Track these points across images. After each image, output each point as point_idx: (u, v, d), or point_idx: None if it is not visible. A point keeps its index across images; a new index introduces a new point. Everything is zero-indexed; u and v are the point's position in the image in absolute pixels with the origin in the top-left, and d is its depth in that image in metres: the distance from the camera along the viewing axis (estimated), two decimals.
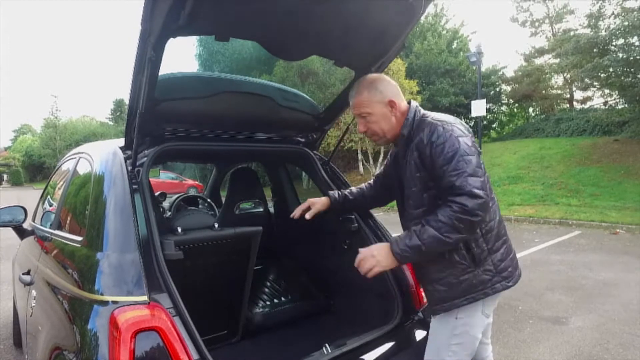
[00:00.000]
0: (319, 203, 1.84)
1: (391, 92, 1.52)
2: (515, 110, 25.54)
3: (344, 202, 1.86)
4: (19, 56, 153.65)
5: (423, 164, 1.39)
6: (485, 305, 1.47)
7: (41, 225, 2.50)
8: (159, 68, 1.36)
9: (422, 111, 1.53)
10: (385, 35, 1.63)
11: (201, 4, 1.18)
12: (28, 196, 17.93)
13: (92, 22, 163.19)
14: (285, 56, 1.77)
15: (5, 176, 45.54)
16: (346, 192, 1.89)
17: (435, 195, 1.39)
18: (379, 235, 2.01)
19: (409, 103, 1.55)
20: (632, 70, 12.05)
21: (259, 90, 1.93)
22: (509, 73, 22.93)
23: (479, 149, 1.42)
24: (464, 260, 1.41)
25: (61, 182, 2.41)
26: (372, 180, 1.89)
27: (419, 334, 1.74)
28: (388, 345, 1.63)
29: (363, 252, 1.43)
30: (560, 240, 7.10)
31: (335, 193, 1.88)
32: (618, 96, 14.51)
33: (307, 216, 1.81)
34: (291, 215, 1.87)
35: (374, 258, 1.39)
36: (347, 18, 1.51)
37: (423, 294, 1.82)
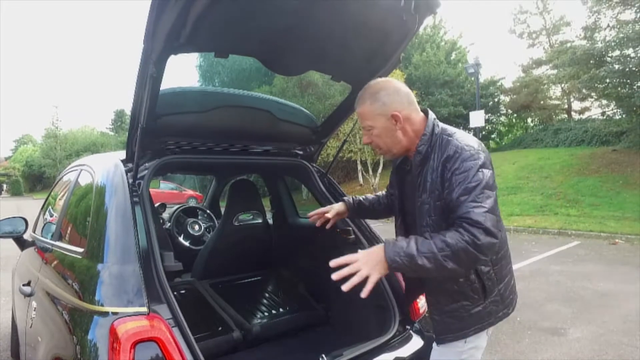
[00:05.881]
0: (338, 206, 1.81)
1: (397, 102, 1.37)
2: (513, 120, 25.68)
3: (359, 207, 1.83)
4: (20, 66, 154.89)
5: (442, 184, 1.31)
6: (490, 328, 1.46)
7: (42, 236, 2.52)
8: (160, 84, 1.40)
9: (441, 125, 1.41)
10: (380, 51, 1.67)
11: (201, 23, 1.23)
12: (28, 206, 17.93)
13: (94, 32, 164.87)
14: (283, 72, 1.81)
15: (5, 186, 45.57)
16: (361, 197, 1.86)
17: (443, 207, 1.32)
18: None
19: (425, 113, 1.43)
20: (628, 81, 12.19)
21: (257, 104, 1.97)
22: (508, 84, 23.16)
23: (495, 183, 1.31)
24: (476, 293, 1.37)
25: (62, 194, 2.44)
26: (385, 191, 1.87)
27: (415, 345, 1.75)
28: (384, 356, 1.64)
29: (354, 255, 1.26)
30: (559, 250, 7.11)
31: (349, 198, 1.86)
32: (615, 107, 14.63)
33: (329, 215, 1.78)
34: (311, 219, 1.86)
35: (362, 262, 1.23)
36: (343, 34, 1.55)
37: (419, 304, 1.85)
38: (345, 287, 1.20)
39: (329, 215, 1.78)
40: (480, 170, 1.26)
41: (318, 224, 1.84)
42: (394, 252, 1.20)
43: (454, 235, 1.18)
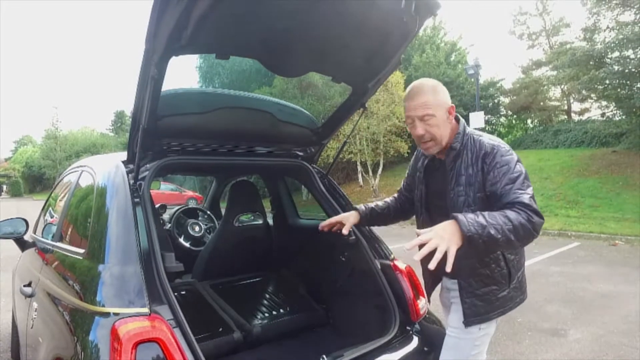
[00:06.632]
0: (351, 217, 1.87)
1: (449, 100, 1.55)
2: (513, 121, 25.68)
3: (371, 214, 1.89)
4: (20, 67, 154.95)
5: (483, 177, 1.44)
6: None
7: (43, 237, 2.53)
8: (162, 85, 1.41)
9: (468, 127, 1.57)
10: (381, 52, 1.67)
11: (203, 25, 1.23)
12: (27, 207, 17.93)
13: (94, 34, 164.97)
14: (283, 73, 1.81)
15: (4, 187, 45.59)
16: (372, 205, 1.93)
17: (484, 198, 1.44)
18: (376, 247, 2.03)
19: (455, 118, 1.57)
20: (627, 82, 12.20)
21: (258, 106, 1.98)
22: (507, 85, 23.15)
23: None
24: (504, 278, 1.51)
25: (63, 195, 2.44)
26: (396, 195, 1.94)
27: (415, 346, 1.75)
28: (385, 357, 1.64)
29: (427, 233, 1.26)
30: (560, 251, 7.11)
31: (362, 207, 1.92)
32: (615, 108, 14.64)
33: (345, 231, 1.84)
34: (320, 228, 1.93)
35: (438, 237, 1.23)
36: (343, 36, 1.55)
37: (419, 305, 1.85)
38: (431, 266, 1.20)
39: (344, 230, 1.83)
40: (518, 163, 1.44)
41: (326, 229, 1.90)
42: (468, 222, 1.26)
43: (512, 213, 1.30)
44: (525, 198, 1.33)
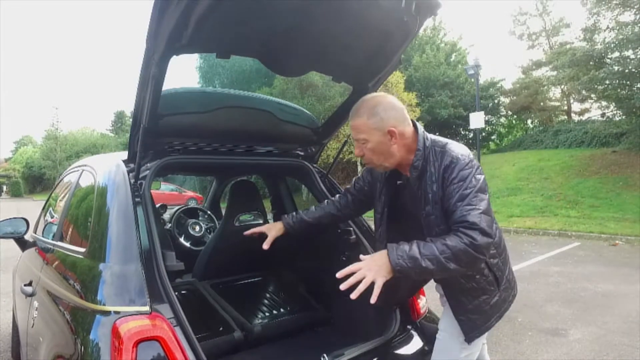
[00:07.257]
0: (273, 230, 1.85)
1: (393, 118, 1.39)
2: (513, 122, 25.73)
3: (300, 226, 1.84)
4: (20, 68, 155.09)
5: (443, 194, 1.36)
6: None
7: (43, 236, 2.53)
8: (162, 84, 1.41)
9: (430, 137, 1.45)
10: (381, 52, 1.67)
11: (203, 24, 1.24)
12: (27, 207, 17.93)
13: (94, 34, 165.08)
14: (284, 73, 1.81)
15: (5, 187, 45.62)
16: (302, 214, 1.85)
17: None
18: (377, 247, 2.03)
19: (414, 126, 1.46)
20: (627, 82, 12.21)
21: (259, 105, 1.98)
22: (507, 85, 23.25)
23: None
24: (492, 285, 1.46)
25: (63, 195, 2.44)
26: (338, 197, 1.86)
27: (416, 345, 1.75)
28: (385, 356, 1.64)
29: (357, 263, 1.30)
30: (560, 251, 7.11)
31: (289, 218, 1.85)
32: (615, 108, 14.65)
33: (265, 246, 1.81)
34: (244, 233, 1.95)
35: (367, 268, 1.27)
36: (344, 35, 1.55)
37: (420, 304, 1.85)
38: (353, 295, 1.24)
39: (264, 245, 1.83)
40: (474, 176, 1.33)
41: (253, 236, 1.92)
42: (398, 255, 1.25)
43: (453, 238, 1.25)
44: (474, 215, 1.25)
